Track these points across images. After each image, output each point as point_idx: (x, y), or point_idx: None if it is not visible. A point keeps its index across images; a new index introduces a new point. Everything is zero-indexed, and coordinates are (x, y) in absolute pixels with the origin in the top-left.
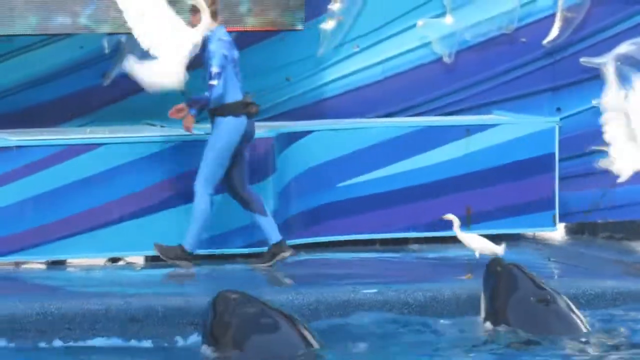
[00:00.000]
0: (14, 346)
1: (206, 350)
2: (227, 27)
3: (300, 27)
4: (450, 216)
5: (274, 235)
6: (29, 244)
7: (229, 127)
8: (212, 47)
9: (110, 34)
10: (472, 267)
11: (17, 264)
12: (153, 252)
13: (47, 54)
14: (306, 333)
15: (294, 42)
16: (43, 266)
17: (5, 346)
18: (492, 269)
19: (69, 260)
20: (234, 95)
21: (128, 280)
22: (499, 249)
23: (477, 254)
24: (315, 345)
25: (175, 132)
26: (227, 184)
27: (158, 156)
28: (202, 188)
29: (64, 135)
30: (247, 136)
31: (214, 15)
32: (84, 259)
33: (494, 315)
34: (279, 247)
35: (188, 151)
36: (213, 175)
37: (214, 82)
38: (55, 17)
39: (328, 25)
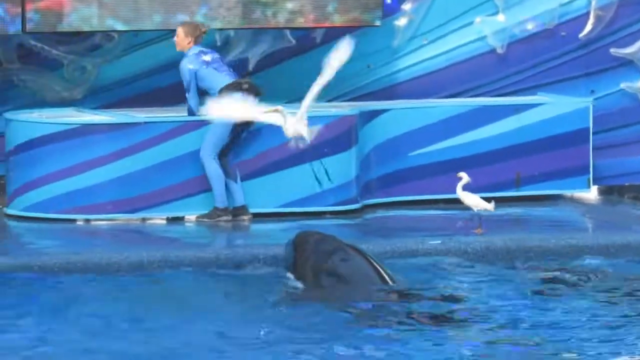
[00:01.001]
0: (139, 286)
1: (290, 276)
2: (317, 24)
3: (378, 23)
4: (461, 174)
5: (239, 199)
6: (153, 203)
7: None
8: (181, 66)
9: (220, 29)
10: (482, 222)
11: (143, 219)
12: (257, 210)
13: (168, 46)
14: (379, 268)
15: (373, 35)
16: (164, 221)
17: (132, 287)
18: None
19: (186, 217)
20: (222, 82)
21: (235, 233)
22: (490, 206)
23: (475, 210)
24: (388, 279)
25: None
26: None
27: (257, 131)
28: (207, 155)
29: (182, 113)
30: None
31: (196, 40)
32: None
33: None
34: (240, 210)
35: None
36: (213, 143)
37: (187, 94)
38: (175, 15)
39: (401, 21)
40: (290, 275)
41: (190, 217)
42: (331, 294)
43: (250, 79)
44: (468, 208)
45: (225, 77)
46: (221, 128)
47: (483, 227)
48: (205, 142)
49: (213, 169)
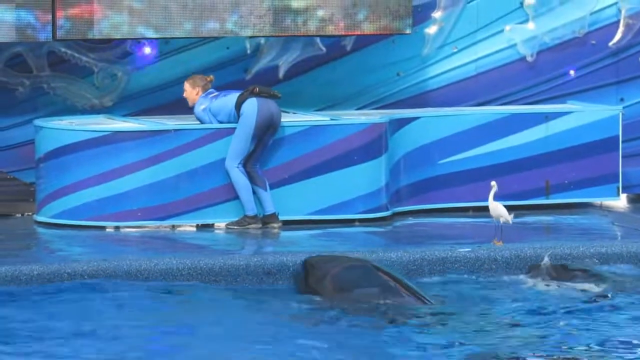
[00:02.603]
0: (167, 294)
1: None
2: (348, 32)
3: (408, 31)
4: (493, 183)
5: (269, 207)
6: (183, 210)
7: (245, 113)
8: (195, 113)
9: (251, 37)
10: (504, 234)
11: (173, 226)
12: (287, 217)
13: (199, 54)
14: (412, 288)
15: (403, 43)
16: (194, 229)
17: (161, 294)
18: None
19: (215, 224)
20: (233, 99)
21: (265, 240)
22: (510, 218)
23: (501, 221)
24: (423, 299)
25: (302, 118)
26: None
27: (287, 138)
28: (231, 163)
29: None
30: (264, 116)
31: (204, 89)
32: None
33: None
34: (270, 217)
35: (313, 134)
36: (238, 152)
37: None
38: (207, 23)
39: (431, 29)
40: (310, 293)
41: (220, 224)
42: (359, 308)
43: (258, 85)
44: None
45: (234, 95)
46: (244, 136)
47: (503, 238)
48: (230, 151)
49: (238, 177)
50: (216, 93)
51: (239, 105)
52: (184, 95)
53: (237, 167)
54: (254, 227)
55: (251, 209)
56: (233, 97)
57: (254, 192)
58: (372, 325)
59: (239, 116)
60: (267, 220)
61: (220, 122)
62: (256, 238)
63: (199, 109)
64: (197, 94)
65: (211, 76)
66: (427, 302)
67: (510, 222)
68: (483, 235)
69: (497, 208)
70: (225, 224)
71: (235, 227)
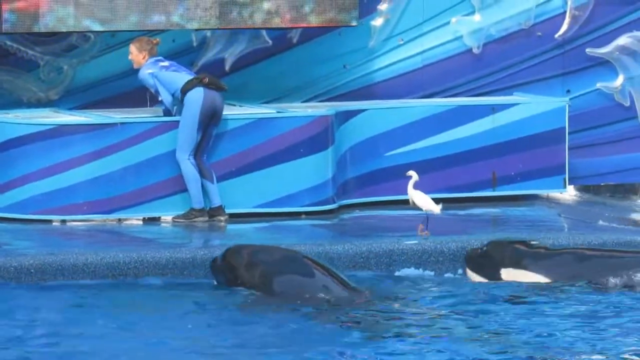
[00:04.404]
0: (114, 287)
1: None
2: (294, 24)
3: (354, 23)
4: (411, 172)
5: (215, 200)
6: (129, 203)
7: (191, 100)
8: (139, 75)
9: (197, 30)
10: (427, 223)
11: (120, 220)
12: (233, 210)
13: None
14: (336, 275)
15: (350, 36)
16: (140, 222)
17: (107, 287)
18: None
19: (162, 217)
20: (183, 80)
21: (211, 233)
22: (437, 208)
23: (424, 210)
24: (346, 285)
25: (249, 110)
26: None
27: (234, 131)
28: (181, 155)
29: (158, 114)
30: (208, 106)
31: (150, 52)
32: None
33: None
34: (217, 210)
35: (259, 126)
36: (186, 143)
37: (159, 98)
38: (153, 16)
39: (377, 22)
40: (234, 286)
41: (167, 217)
42: (288, 299)
43: (209, 75)
44: (445, 208)
45: (185, 76)
46: (189, 125)
47: (429, 229)
48: (179, 143)
49: (189, 169)
50: (167, 63)
51: (184, 90)
52: (130, 57)
53: (188, 159)
54: (201, 220)
55: (198, 202)
56: (183, 77)
57: (202, 185)
58: (300, 316)
59: (182, 99)
60: (213, 213)
61: (163, 93)
62: (203, 231)
63: (145, 72)
64: (143, 58)
65: (157, 39)
66: (356, 292)
67: (437, 212)
68: (430, 227)
69: (417, 197)
70: (172, 217)
71: (182, 220)
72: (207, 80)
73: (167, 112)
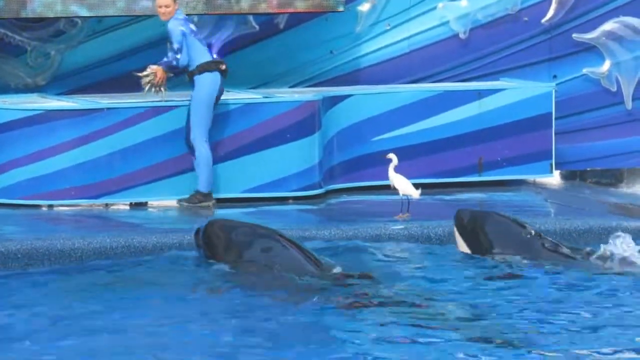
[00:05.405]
0: (102, 271)
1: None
2: (280, 10)
3: (341, 8)
4: (391, 155)
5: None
6: (117, 188)
7: (207, 82)
8: (170, 25)
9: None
10: (407, 207)
11: (107, 205)
12: (220, 195)
13: (132, 32)
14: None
15: (336, 21)
16: (127, 207)
17: (94, 270)
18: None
19: (149, 202)
20: (203, 57)
21: (198, 218)
22: (416, 193)
23: (400, 194)
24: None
25: (235, 96)
26: (186, 131)
27: (221, 117)
28: (199, 136)
29: (146, 99)
30: (219, 94)
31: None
32: (161, 201)
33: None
34: (207, 196)
35: (246, 112)
36: (203, 125)
37: (178, 55)
38: (140, 1)
39: (364, 7)
40: (213, 260)
41: (153, 202)
42: (260, 276)
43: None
44: (432, 193)
45: (205, 53)
46: (206, 104)
47: (409, 211)
48: (195, 126)
49: (204, 153)
50: (193, 27)
51: (202, 69)
52: (161, 9)
53: (206, 141)
54: (206, 205)
55: (206, 186)
56: (204, 53)
57: (194, 168)
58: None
59: (192, 74)
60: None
61: (184, 55)
62: (189, 216)
63: (178, 26)
64: (173, 10)
65: None
66: (327, 269)
67: (416, 196)
68: (416, 212)
69: (396, 180)
70: (176, 200)
71: (187, 203)
72: (224, 67)
73: (170, 68)
